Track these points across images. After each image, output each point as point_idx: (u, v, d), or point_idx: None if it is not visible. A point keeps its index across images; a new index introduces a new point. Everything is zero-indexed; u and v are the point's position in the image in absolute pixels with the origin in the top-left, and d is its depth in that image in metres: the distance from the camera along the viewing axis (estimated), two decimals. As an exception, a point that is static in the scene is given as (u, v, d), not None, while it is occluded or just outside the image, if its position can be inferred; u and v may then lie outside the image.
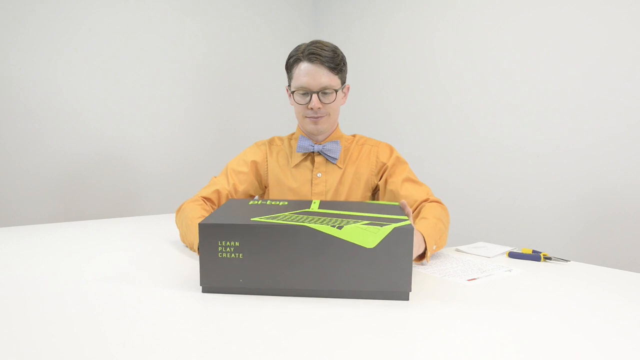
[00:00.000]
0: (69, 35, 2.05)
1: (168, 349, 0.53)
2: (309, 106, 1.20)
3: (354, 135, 1.35)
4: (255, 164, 1.28)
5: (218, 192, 1.22)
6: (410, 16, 2.31)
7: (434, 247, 1.04)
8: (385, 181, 1.25)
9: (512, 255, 1.14)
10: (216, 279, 0.74)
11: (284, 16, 2.80)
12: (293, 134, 1.35)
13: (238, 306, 0.69)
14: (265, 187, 1.30)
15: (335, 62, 1.19)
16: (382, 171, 1.27)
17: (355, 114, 2.59)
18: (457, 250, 1.17)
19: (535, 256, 1.12)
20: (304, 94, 1.20)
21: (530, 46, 1.89)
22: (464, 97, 2.11)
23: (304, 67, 1.18)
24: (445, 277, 0.92)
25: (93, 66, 2.13)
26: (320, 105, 1.19)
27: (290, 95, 1.26)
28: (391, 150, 1.31)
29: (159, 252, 1.06)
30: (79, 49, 2.08)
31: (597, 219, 1.73)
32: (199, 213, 1.11)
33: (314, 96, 1.18)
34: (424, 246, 1.00)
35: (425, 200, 1.19)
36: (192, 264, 0.97)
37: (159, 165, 2.36)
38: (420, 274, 0.95)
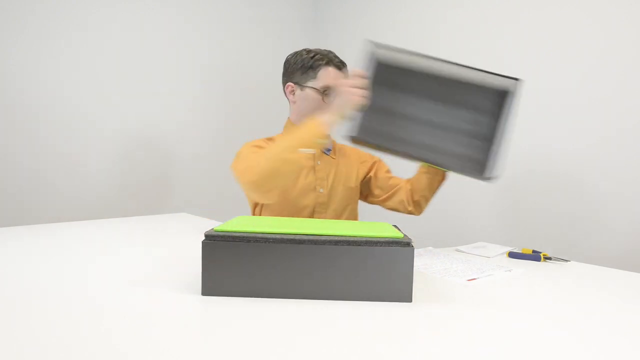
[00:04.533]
0: (70, 35, 2.05)
1: (168, 349, 0.53)
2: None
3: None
4: None
5: None
6: (411, 16, 2.31)
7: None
8: (375, 174, 1.46)
9: (512, 255, 1.15)
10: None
11: (283, 16, 2.80)
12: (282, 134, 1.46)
13: (239, 309, 0.69)
14: None
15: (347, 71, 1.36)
16: (370, 164, 1.48)
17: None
18: (457, 250, 1.18)
19: (535, 256, 1.13)
20: (327, 94, 1.33)
21: (530, 47, 1.89)
22: None
23: (333, 71, 1.32)
24: (445, 277, 0.92)
25: (98, 66, 2.13)
26: None
27: (291, 92, 1.37)
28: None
29: (162, 254, 1.06)
30: (81, 50, 2.08)
31: (597, 218, 1.73)
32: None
33: None
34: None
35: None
36: (194, 265, 0.97)
37: (166, 166, 2.36)
38: (420, 274, 0.95)
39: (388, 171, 1.49)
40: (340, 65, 1.34)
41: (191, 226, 1.44)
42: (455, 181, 2.11)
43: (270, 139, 1.39)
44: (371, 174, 1.48)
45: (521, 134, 1.90)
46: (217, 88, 2.55)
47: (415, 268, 0.99)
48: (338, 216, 1.38)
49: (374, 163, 1.49)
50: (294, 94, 1.37)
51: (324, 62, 1.32)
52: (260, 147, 1.30)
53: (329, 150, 1.44)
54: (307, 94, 1.34)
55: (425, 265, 1.03)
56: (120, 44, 2.20)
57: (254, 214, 1.41)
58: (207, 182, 2.53)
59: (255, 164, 1.12)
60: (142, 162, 2.30)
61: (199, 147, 2.49)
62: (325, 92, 1.32)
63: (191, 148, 2.47)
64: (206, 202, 2.51)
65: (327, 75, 1.32)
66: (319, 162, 1.40)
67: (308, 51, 1.35)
